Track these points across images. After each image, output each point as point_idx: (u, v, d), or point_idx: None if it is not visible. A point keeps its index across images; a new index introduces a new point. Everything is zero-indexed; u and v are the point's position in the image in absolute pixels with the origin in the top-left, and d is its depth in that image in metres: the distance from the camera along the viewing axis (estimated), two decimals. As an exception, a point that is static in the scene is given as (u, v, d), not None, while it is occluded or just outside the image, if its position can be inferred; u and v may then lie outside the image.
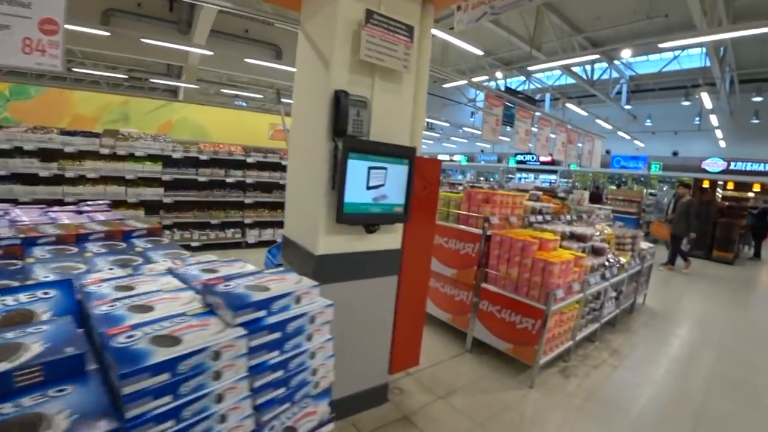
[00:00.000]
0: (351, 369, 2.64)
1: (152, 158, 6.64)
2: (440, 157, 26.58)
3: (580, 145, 7.20)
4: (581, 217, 5.24)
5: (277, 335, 1.19)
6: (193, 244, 6.85)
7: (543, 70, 15.75)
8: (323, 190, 2.32)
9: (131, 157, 6.50)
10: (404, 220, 2.53)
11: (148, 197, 6.62)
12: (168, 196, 6.73)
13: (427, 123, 23.71)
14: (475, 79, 9.76)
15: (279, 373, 1.20)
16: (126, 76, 13.86)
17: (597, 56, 9.40)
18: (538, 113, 6.51)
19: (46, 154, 6.10)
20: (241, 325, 1.12)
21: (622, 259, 4.65)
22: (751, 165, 16.68)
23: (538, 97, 17.10)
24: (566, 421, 2.93)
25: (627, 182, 20.23)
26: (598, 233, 4.67)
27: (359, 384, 2.75)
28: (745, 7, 9.16)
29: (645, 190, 14.53)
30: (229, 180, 7.16)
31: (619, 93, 15.74)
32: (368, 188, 2.32)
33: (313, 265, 2.36)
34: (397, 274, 2.69)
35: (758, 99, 14.07)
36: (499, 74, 12.47)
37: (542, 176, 23.69)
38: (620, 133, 15.82)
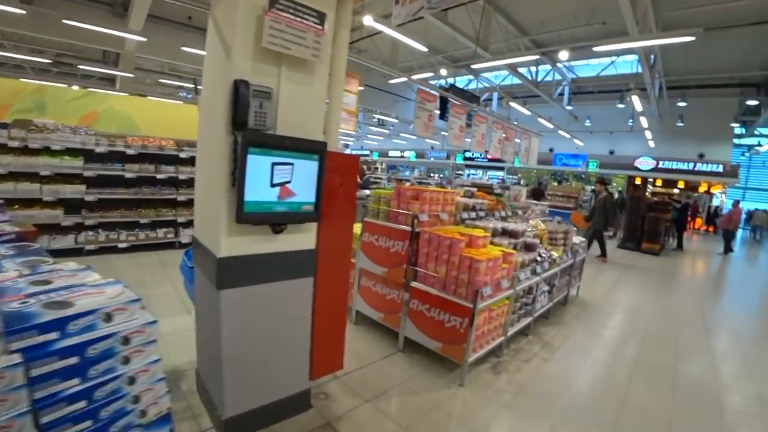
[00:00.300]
0: (267, 377, 2.48)
1: (72, 152, 6.04)
2: (391, 153, 26.98)
3: (518, 140, 7.31)
4: (516, 213, 5.29)
5: (73, 360, 0.98)
6: (121, 245, 6.33)
7: (489, 69, 16.04)
8: (224, 187, 2.11)
9: (47, 151, 5.88)
10: (316, 219, 2.36)
11: (67, 195, 6.02)
12: (91, 194, 6.15)
13: (378, 119, 23.64)
14: (417, 76, 9.72)
15: (80, 405, 0.99)
16: (50, 61, 12.66)
17: (537, 56, 9.64)
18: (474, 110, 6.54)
19: (-58, 147, 5.41)
20: (22, 350, 0.90)
21: (555, 254, 4.72)
22: (677, 164, 18.03)
23: (485, 96, 17.48)
24: (494, 418, 2.89)
25: (569, 179, 21.14)
26: (530, 229, 4.72)
27: (278, 392, 2.57)
28: (672, 18, 9.77)
29: (585, 186, 15.26)
30: (160, 176, 6.66)
31: (561, 94, 16.36)
32: (272, 185, 2.13)
33: (216, 268, 2.15)
34: (312, 276, 2.52)
35: (683, 104, 15.10)
36: (443, 71, 12.51)
37: (491, 173, 24.34)
38: (562, 132, 16.49)
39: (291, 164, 2.16)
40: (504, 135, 6.77)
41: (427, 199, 3.68)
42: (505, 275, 3.50)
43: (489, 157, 8.71)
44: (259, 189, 2.08)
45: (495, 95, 16.59)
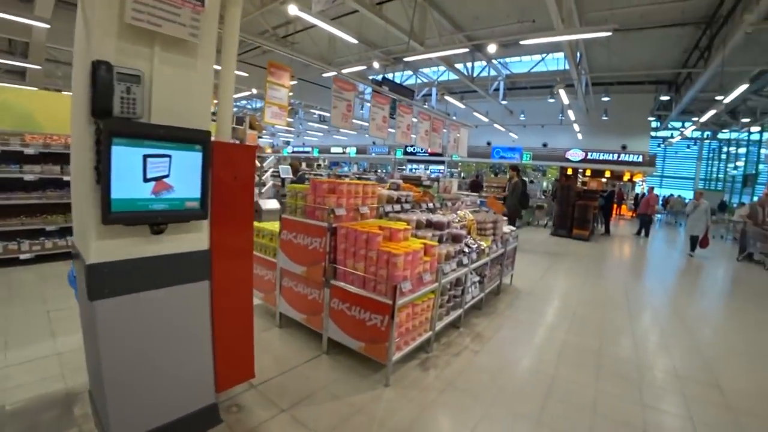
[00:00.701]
0: (163, 394, 2.22)
1: (-46, 153, 5.29)
2: (333, 149, 26.86)
3: (445, 131, 7.34)
4: (446, 205, 5.28)
5: None
6: (23, 256, 5.65)
7: (425, 65, 16.20)
8: (89, 184, 1.84)
9: None
10: (202, 217, 2.12)
11: (-49, 201, 5.27)
12: (-20, 199, 5.43)
13: (319, 115, 23.22)
14: (348, 70, 9.55)
15: None
16: None
17: (468, 49, 9.83)
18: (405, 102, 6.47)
19: None
20: None
21: (484, 244, 4.75)
22: (603, 155, 19.29)
23: (425, 91, 17.66)
24: (418, 418, 2.79)
25: (506, 171, 21.95)
26: (458, 220, 4.71)
27: (178, 409, 2.32)
28: (594, 18, 10.37)
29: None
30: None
31: (497, 90, 16.89)
32: (146, 180, 1.88)
33: (86, 276, 1.89)
34: (207, 279, 2.29)
35: (606, 99, 16.13)
36: (376, 64, 12.43)
37: (432, 167, 24.73)
38: (497, 126, 17.03)
39: (168, 156, 1.91)
40: (431, 126, 6.77)
41: (345, 192, 3.52)
42: (428, 268, 3.43)
43: (429, 151, 8.77)
44: (129, 185, 1.83)
45: (434, 90, 16.80)
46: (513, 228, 6.12)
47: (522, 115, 19.51)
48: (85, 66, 1.81)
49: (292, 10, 6.16)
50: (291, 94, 6.89)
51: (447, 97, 13.68)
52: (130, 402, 2.09)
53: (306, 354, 3.51)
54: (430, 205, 4.78)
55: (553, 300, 5.76)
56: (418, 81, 17.05)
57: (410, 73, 16.57)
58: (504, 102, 17.55)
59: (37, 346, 3.42)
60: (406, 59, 10.72)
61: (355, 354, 3.35)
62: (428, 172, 22.64)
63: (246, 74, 12.92)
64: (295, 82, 12.00)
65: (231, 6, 2.29)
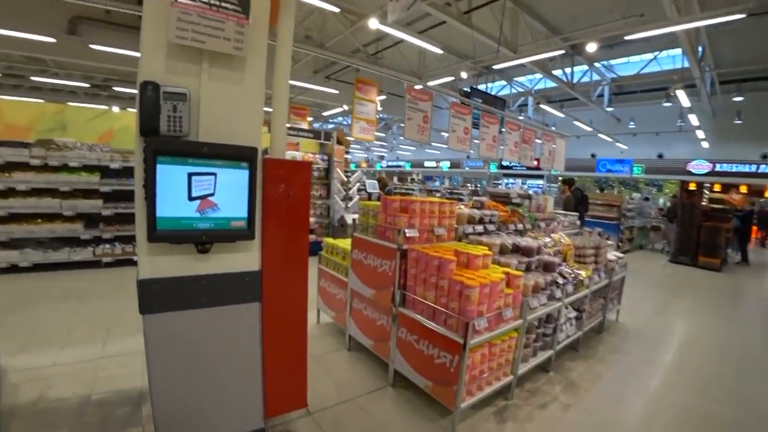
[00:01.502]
0: (211, 413, 2.12)
1: (88, 169, 6.11)
2: (427, 163, 26.30)
3: (539, 141, 6.59)
4: (538, 226, 4.66)
5: None
6: (136, 258, 6.28)
7: (520, 73, 15.12)
8: (141, 201, 1.80)
9: (65, 168, 5.98)
10: (249, 237, 1.98)
11: (86, 210, 6.09)
12: (107, 209, 6.19)
13: None
14: (435, 82, 9.22)
15: None
16: (88, 85, 13.40)
17: (562, 51, 8.84)
18: (476, 110, 5.93)
19: (-30, 166, 5.60)
20: None
21: (583, 273, 4.06)
22: (737, 166, 16.18)
23: (521, 101, 16.60)
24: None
25: (614, 186, 19.66)
26: (551, 244, 4.09)
27: (226, 430, 2.20)
28: (718, 1, 8.66)
29: (633, 194, 13.99)
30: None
31: (601, 96, 15.18)
32: (191, 199, 1.78)
33: (137, 290, 1.89)
34: (258, 301, 2.14)
35: (739, 99, 13.47)
36: (464, 74, 11.90)
37: (530, 181, 23.09)
38: (603, 136, 15.26)
39: (213, 174, 1.80)
40: (521, 137, 6.11)
41: (417, 212, 3.19)
42: (510, 303, 2.93)
43: (527, 164, 8.12)
44: (174, 203, 1.76)
45: (530, 99, 15.69)
46: (620, 255, 5.22)
47: (631, 123, 17.13)
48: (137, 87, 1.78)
49: (373, 24, 6.09)
50: (380, 109, 6.81)
51: (544, 106, 12.62)
52: (177, 418, 2.03)
53: (370, 383, 3.22)
54: (519, 226, 4.23)
55: (671, 346, 4.66)
56: (513, 91, 16.11)
57: (504, 82, 15.71)
58: (610, 109, 15.64)
59: (130, 341, 3.69)
60: (496, 67, 10.09)
61: (423, 392, 2.97)
62: (525, 187, 21.15)
63: (336, 91, 13.35)
64: (383, 97, 12.04)
65: (283, 17, 2.15)
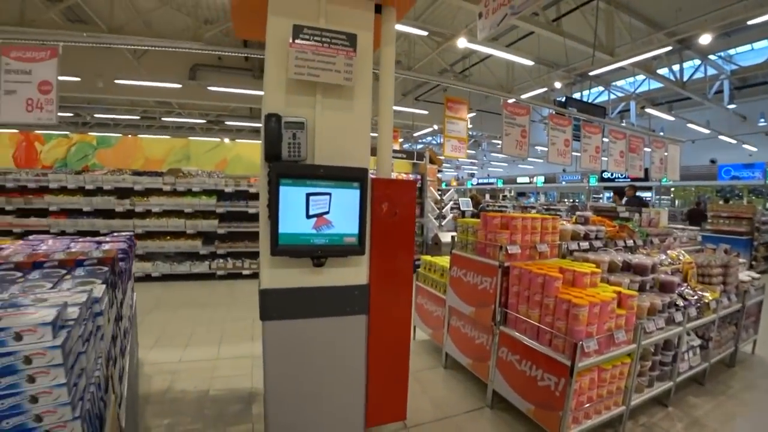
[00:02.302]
0: (315, 416, 2.28)
1: (207, 193, 6.97)
2: (519, 179, 24.86)
3: (648, 149, 5.97)
4: (651, 242, 4.24)
5: None
6: (245, 272, 7.01)
7: (611, 75, 13.83)
8: (265, 220, 2.04)
9: (189, 193, 6.90)
10: (359, 252, 2.12)
11: (204, 228, 6.94)
12: (222, 228, 6.98)
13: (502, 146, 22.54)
14: (528, 95, 8.90)
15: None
16: (204, 121, 15.34)
17: (669, 48, 7.95)
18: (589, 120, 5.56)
19: (121, 193, 6.72)
20: None
21: (708, 296, 3.60)
22: None
23: (621, 106, 15.28)
24: None
25: (742, 195, 17.01)
26: (668, 262, 3.70)
27: (328, 435, 2.33)
28: None
29: (766, 204, 11.95)
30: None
31: (719, 92, 13.26)
32: (309, 216, 1.97)
33: (259, 299, 2.09)
34: (365, 314, 2.26)
35: None
36: (557, 84, 11.30)
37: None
38: (725, 138, 13.31)
39: (328, 194, 1.98)
40: (627, 146, 5.62)
41: (519, 228, 3.11)
42: (622, 325, 2.71)
43: (630, 176, 7.39)
44: (294, 220, 1.96)
45: (632, 104, 14.37)
46: (755, 275, 4.51)
47: (761, 120, 14.60)
48: (262, 118, 2.04)
49: (462, 43, 6.15)
50: (470, 126, 6.84)
51: (650, 110, 11.46)
52: (287, 419, 2.20)
53: (467, 403, 3.16)
54: (629, 242, 3.89)
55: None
56: (612, 96, 14.93)
57: (601, 88, 14.65)
58: (731, 106, 13.56)
59: (241, 346, 4.13)
60: (593, 73, 9.47)
61: (524, 415, 2.84)
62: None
63: (426, 112, 13.57)
64: (473, 114, 11.94)
65: (386, 45, 2.30)
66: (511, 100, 12.75)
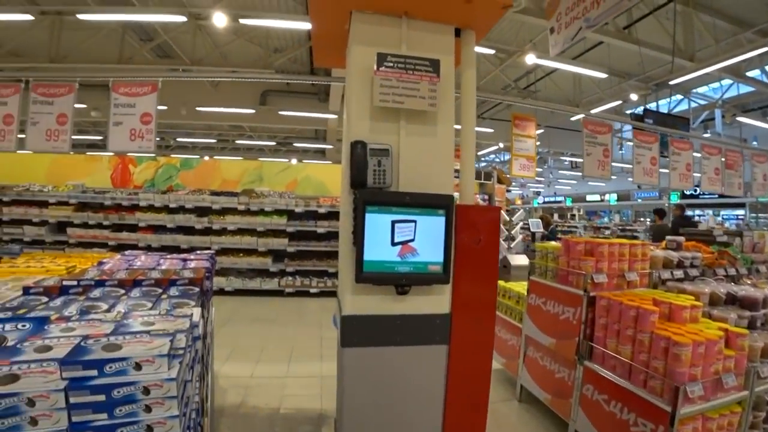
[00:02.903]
0: None
1: (279, 212, 7.31)
2: (589, 198, 23.03)
3: (746, 162, 5.32)
4: (756, 271, 3.78)
5: (101, 397, 1.09)
6: (312, 290, 7.20)
7: (691, 82, 12.67)
8: (348, 246, 2.07)
9: (262, 212, 7.26)
10: (444, 281, 2.07)
11: (275, 247, 7.25)
12: (291, 246, 7.26)
13: (570, 162, 21.45)
14: (599, 109, 8.44)
15: (105, 437, 1.08)
16: (274, 143, 16.24)
17: (764, 48, 7.18)
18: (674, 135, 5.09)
19: (200, 211, 7.24)
20: (70, 379, 1.07)
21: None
22: None
23: (704, 115, 13.98)
24: None
25: None
26: (782, 295, 3.26)
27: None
28: None
29: None
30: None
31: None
32: (394, 244, 1.97)
33: (341, 325, 2.12)
34: (446, 344, 2.19)
35: None
36: (633, 96, 10.57)
37: (724, 212, 18.88)
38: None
39: (413, 221, 1.97)
40: (723, 162, 5.07)
41: (606, 255, 2.91)
42: (731, 368, 2.41)
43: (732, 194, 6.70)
44: (379, 248, 1.96)
45: (717, 112, 13.09)
46: None
47: None
48: (346, 146, 2.09)
49: (530, 59, 6.00)
50: (538, 143, 6.64)
51: (741, 118, 10.35)
52: None
53: (548, 443, 2.97)
54: (731, 270, 3.50)
55: None
56: (693, 105, 13.70)
57: (679, 97, 13.50)
58: None
59: (309, 365, 4.21)
60: (674, 82, 8.79)
61: (616, 462, 2.59)
62: (719, 219, 17.23)
63: (491, 130, 13.34)
64: (541, 131, 11.51)
65: (466, 69, 2.29)
66: (580, 116, 12.25)
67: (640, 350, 2.46)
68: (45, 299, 1.75)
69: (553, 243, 3.50)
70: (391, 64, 1.99)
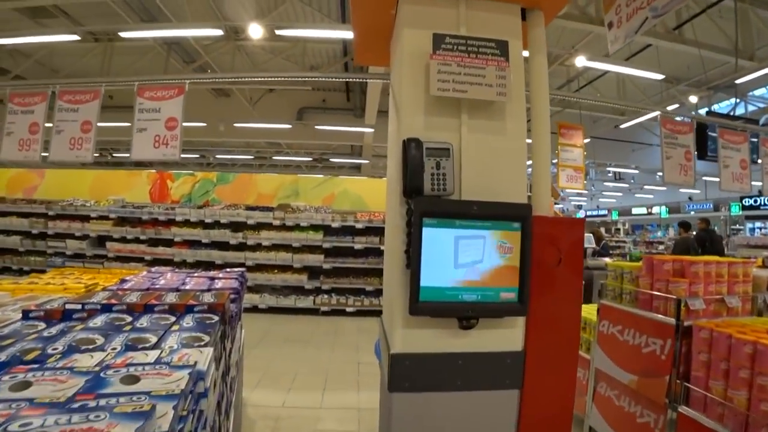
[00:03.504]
0: None
1: (314, 228, 7.04)
2: (634, 210, 21.55)
3: None
4: None
5: None
6: (348, 309, 6.84)
7: (750, 83, 11.59)
8: (399, 269, 1.68)
9: (297, 228, 7.02)
10: (520, 313, 1.64)
11: (310, 263, 6.97)
12: (327, 263, 6.95)
13: (614, 173, 20.24)
14: (652, 114, 7.74)
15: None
16: (311, 159, 16.21)
17: None
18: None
19: (235, 226, 7.08)
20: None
21: None
22: None
23: (764, 119, 12.78)
24: None
25: None
26: None
27: None
28: None
29: None
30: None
31: None
32: (457, 266, 1.56)
33: (388, 365, 1.71)
34: (518, 388, 1.75)
35: None
36: (693, 98, 9.75)
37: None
38: None
39: (483, 238, 1.55)
40: None
41: (701, 275, 2.38)
42: None
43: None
44: (439, 271, 1.56)
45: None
46: None
47: None
48: (396, 146, 1.73)
49: (580, 61, 5.52)
50: (584, 153, 6.12)
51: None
52: None
53: (636, 504, 2.42)
54: None
55: None
56: (749, 109, 12.57)
57: (733, 101, 12.40)
58: None
59: (346, 395, 3.79)
60: (739, 81, 8.03)
61: None
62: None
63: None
64: (587, 140, 10.75)
65: (535, 55, 1.89)
66: (631, 123, 11.46)
67: (761, 398, 1.91)
68: (42, 326, 1.47)
69: (626, 262, 2.98)
70: (451, 47, 1.63)
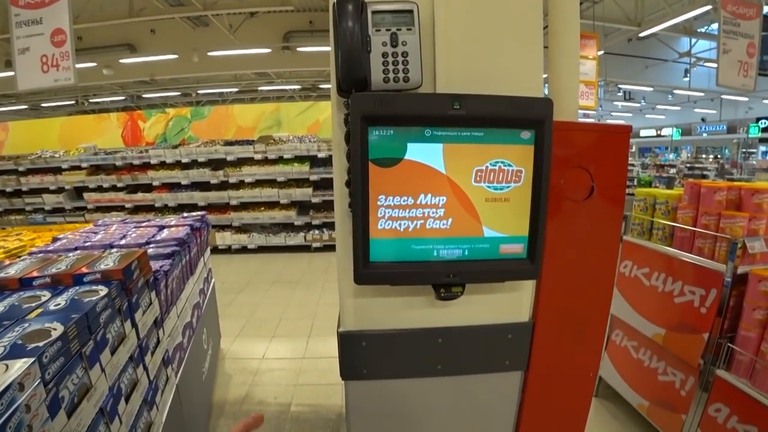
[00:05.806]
0: None
1: (300, 159, 6.37)
2: (643, 132, 20.13)
3: None
4: None
5: None
6: (315, 245, 6.38)
7: None
8: (342, 210, 1.08)
9: (281, 160, 6.35)
10: (530, 274, 1.03)
11: (298, 198, 6.41)
12: (316, 196, 6.38)
13: (624, 91, 18.58)
14: (663, 25, 6.63)
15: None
16: (299, 87, 14.94)
17: None
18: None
19: (215, 164, 6.42)
20: None
21: None
22: None
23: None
24: None
25: None
26: None
27: None
28: None
29: None
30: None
31: None
32: (428, 206, 0.93)
33: (338, 346, 1.18)
34: (522, 370, 1.22)
35: None
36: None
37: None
38: None
39: (470, 157, 0.90)
40: None
41: (766, 209, 1.76)
42: None
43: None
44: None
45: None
46: None
47: None
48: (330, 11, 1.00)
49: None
50: (598, 67, 5.23)
51: None
52: None
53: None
54: None
55: None
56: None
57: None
58: None
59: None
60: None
61: None
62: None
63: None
64: (601, 53, 9.42)
65: None
66: (650, 30, 10.16)
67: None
68: None
69: (661, 189, 2.35)
70: None
